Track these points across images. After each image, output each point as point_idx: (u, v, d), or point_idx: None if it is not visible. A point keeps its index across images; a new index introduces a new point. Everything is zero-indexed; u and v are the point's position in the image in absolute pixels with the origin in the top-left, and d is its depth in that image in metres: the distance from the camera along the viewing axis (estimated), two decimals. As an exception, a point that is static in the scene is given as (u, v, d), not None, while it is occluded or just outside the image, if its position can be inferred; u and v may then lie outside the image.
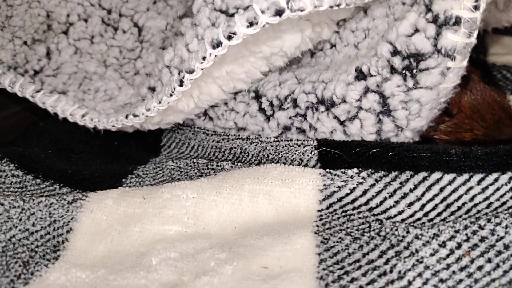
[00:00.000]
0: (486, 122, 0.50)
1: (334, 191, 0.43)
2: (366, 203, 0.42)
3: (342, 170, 0.44)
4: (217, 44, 0.41)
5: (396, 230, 0.39)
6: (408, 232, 0.39)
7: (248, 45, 0.47)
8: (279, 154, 0.48)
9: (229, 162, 0.49)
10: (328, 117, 0.47)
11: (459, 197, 0.42)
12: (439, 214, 0.42)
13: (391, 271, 0.36)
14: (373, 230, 0.39)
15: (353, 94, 0.45)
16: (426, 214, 0.42)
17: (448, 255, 0.37)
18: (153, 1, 0.61)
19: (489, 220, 0.39)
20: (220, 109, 0.54)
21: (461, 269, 0.35)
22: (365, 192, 0.42)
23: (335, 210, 0.42)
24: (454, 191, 0.42)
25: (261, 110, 0.51)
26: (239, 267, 0.37)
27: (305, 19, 0.47)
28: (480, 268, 0.35)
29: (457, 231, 0.38)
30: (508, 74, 0.69)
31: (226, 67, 0.49)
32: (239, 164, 0.49)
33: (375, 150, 0.45)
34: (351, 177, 0.43)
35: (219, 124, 0.54)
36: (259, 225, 0.41)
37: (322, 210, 0.42)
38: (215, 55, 0.41)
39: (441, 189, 0.42)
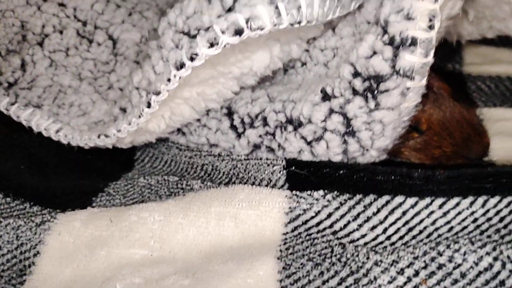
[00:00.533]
0: (454, 139, 0.51)
1: (300, 214, 0.43)
2: (331, 226, 0.43)
3: (308, 193, 0.44)
4: (180, 66, 0.41)
5: (357, 255, 0.39)
6: (368, 258, 0.39)
7: (217, 66, 0.47)
8: (248, 173, 0.49)
9: (199, 180, 0.50)
10: (296, 137, 0.47)
11: (421, 221, 0.43)
12: (401, 237, 0.42)
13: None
14: (335, 255, 0.40)
15: (319, 115, 0.45)
16: (388, 238, 0.42)
17: (405, 283, 0.37)
18: (129, 12, 0.61)
19: (448, 246, 0.39)
20: (193, 125, 0.54)
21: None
22: (329, 215, 0.43)
23: (299, 233, 0.43)
24: (416, 214, 0.43)
25: (233, 127, 0.52)
26: (201, 295, 0.37)
27: (273, 39, 0.48)
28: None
29: (416, 258, 0.39)
30: (482, 85, 0.69)
31: (196, 88, 0.49)
32: (209, 183, 0.49)
33: (341, 172, 0.45)
34: (317, 199, 0.44)
35: (192, 140, 0.55)
36: (224, 249, 0.42)
37: (287, 233, 0.43)
38: (179, 77, 0.42)
39: (404, 213, 0.43)
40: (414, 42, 0.41)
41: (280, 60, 0.51)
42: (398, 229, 0.43)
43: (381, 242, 0.42)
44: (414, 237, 0.42)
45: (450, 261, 0.39)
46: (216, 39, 0.40)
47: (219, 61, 0.47)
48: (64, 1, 0.62)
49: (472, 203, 0.42)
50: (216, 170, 0.52)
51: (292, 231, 0.43)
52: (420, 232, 0.42)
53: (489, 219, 0.42)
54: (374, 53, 0.42)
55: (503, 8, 0.61)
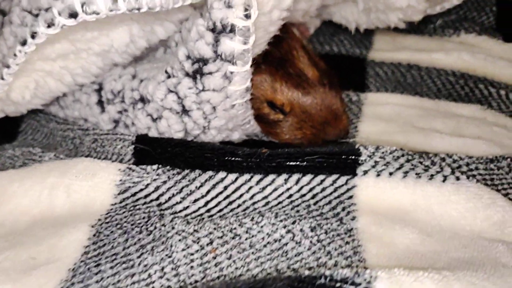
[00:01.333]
0: (313, 122, 0.54)
1: (130, 186, 0.46)
2: (157, 198, 0.46)
3: (142, 166, 0.47)
4: (24, 42, 0.44)
5: (164, 225, 0.43)
6: (173, 228, 0.42)
7: (75, 42, 0.50)
8: (104, 147, 0.52)
9: (65, 152, 0.53)
10: (143, 114, 0.50)
11: (241, 196, 0.46)
12: (220, 210, 0.45)
13: (139, 264, 0.40)
14: (146, 224, 0.43)
15: (159, 93, 0.48)
16: (208, 210, 0.45)
17: (196, 251, 0.40)
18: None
19: (252, 218, 0.42)
20: (68, 98, 0.57)
21: (200, 265, 0.39)
22: (157, 188, 0.46)
23: (126, 204, 0.46)
24: (236, 189, 0.46)
25: (99, 102, 0.55)
26: (10, 257, 0.41)
27: (131, 19, 0.50)
28: (217, 264, 0.39)
29: (215, 228, 0.42)
30: (380, 71, 0.71)
31: (59, 62, 0.52)
32: (69, 155, 0.52)
33: (177, 148, 0.48)
34: (148, 173, 0.47)
35: (68, 114, 0.58)
36: (53, 217, 0.45)
37: (115, 204, 0.46)
38: (25, 52, 0.45)
39: (225, 187, 0.46)
40: (233, 29, 0.43)
41: (145, 40, 0.54)
42: (219, 202, 0.46)
43: (201, 215, 0.45)
44: (232, 210, 0.45)
45: (246, 232, 0.41)
46: (53, 20, 0.43)
47: (75, 38, 0.49)
48: None
49: (286, 180, 0.45)
50: (82, 143, 0.55)
51: (120, 202, 0.46)
52: (239, 205, 0.45)
53: (303, 195, 0.45)
54: (201, 37, 0.45)
55: (381, 1, 0.62)
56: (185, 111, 0.47)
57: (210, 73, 0.45)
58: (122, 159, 0.50)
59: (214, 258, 0.40)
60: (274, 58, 0.56)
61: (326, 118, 0.53)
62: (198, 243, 0.41)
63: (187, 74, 0.46)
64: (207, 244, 0.41)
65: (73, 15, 0.42)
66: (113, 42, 0.52)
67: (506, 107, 0.64)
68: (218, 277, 0.38)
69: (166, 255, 0.40)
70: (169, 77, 0.48)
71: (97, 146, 0.53)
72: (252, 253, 0.40)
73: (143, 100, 0.50)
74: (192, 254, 0.40)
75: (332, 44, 0.77)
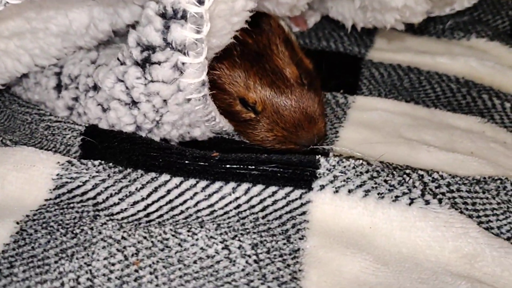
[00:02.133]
0: (285, 125, 0.49)
1: (67, 182, 0.43)
2: (94, 197, 0.42)
3: (83, 161, 0.43)
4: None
5: (91, 229, 0.39)
6: (100, 233, 0.38)
7: (31, 20, 0.47)
8: (53, 135, 0.49)
9: (19, 136, 0.50)
10: (93, 104, 0.46)
11: (184, 202, 0.41)
12: (160, 216, 0.41)
13: (54, 270, 0.36)
14: (74, 226, 0.39)
15: (108, 81, 0.44)
16: (147, 215, 0.41)
17: (119, 261, 0.37)
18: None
19: (189, 229, 0.38)
20: (30, 80, 0.54)
21: (119, 278, 0.35)
22: (95, 186, 0.42)
23: (61, 201, 0.42)
24: (180, 195, 0.42)
25: (58, 87, 0.51)
26: None
27: (91, 1, 0.46)
28: (137, 279, 0.35)
29: (147, 237, 0.38)
30: (376, 73, 0.66)
31: (15, 41, 0.48)
32: (28, 140, 0.49)
33: (123, 144, 0.44)
34: (87, 169, 0.43)
35: (30, 96, 0.55)
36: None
37: (50, 199, 0.42)
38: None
39: (168, 192, 0.42)
40: (184, 16, 0.39)
41: (108, 23, 0.50)
42: (160, 207, 0.42)
43: (139, 219, 0.41)
44: (173, 216, 0.41)
45: (179, 244, 0.37)
46: None
47: (30, 16, 0.46)
48: None
49: (234, 189, 0.40)
50: (37, 129, 0.51)
51: (55, 198, 0.43)
52: (181, 212, 0.41)
53: (252, 207, 0.41)
54: (149, 22, 0.40)
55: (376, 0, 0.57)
56: (134, 103, 0.43)
57: (159, 62, 0.40)
58: (69, 150, 0.46)
59: (136, 271, 0.35)
60: (251, 52, 0.52)
61: (300, 120, 0.48)
62: (122, 252, 0.37)
63: (136, 63, 0.41)
64: (132, 255, 0.36)
65: None
66: (72, 23, 0.48)
67: (510, 121, 0.58)
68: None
69: (85, 263, 0.36)
70: (120, 64, 0.43)
71: (48, 134, 0.49)
72: (179, 269, 0.35)
73: (95, 88, 0.46)
74: (113, 265, 0.36)
75: (330, 40, 0.71)
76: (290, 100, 0.49)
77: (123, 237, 0.38)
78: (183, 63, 0.40)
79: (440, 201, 0.40)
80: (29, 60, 0.50)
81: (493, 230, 0.42)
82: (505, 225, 0.42)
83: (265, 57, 0.51)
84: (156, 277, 0.35)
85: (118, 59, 0.44)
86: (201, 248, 0.37)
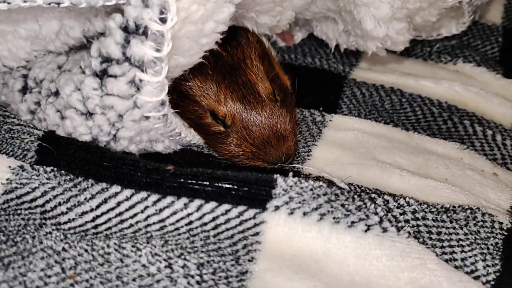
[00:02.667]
0: (254, 141, 0.48)
1: (16, 187, 0.42)
2: (42, 205, 0.41)
3: (35, 167, 0.42)
4: None
5: (33, 238, 0.37)
6: (41, 243, 0.37)
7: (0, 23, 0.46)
8: (13, 139, 0.47)
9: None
10: (52, 110, 0.45)
11: (135, 215, 0.40)
12: (109, 228, 0.39)
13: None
14: (17, 233, 0.38)
15: (67, 89, 0.43)
16: (95, 227, 0.39)
17: (56, 274, 0.35)
18: None
19: (134, 244, 0.37)
20: (-1, 81, 0.53)
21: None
22: (44, 193, 0.41)
23: (9, 207, 0.41)
24: (131, 207, 0.40)
25: (23, 89, 0.50)
26: None
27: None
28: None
29: (89, 250, 0.36)
30: (357, 92, 0.64)
31: (-17, 41, 0.47)
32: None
33: (78, 152, 0.43)
34: (38, 175, 0.41)
35: (-3, 97, 0.54)
36: None
37: (-3, 204, 0.41)
38: None
39: (118, 204, 0.40)
40: (145, 32, 0.38)
41: (79, 30, 0.49)
42: (109, 219, 0.40)
43: (87, 230, 0.39)
44: (122, 230, 0.39)
45: (120, 260, 0.36)
46: None
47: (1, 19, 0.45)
48: None
49: (186, 205, 0.39)
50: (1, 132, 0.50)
51: (3, 203, 0.41)
52: (131, 226, 0.40)
53: (204, 224, 0.39)
54: (111, 34, 0.39)
55: (358, 27, 0.56)
56: (89, 114, 0.42)
57: (115, 76, 0.39)
58: (26, 155, 0.45)
59: (72, 285, 0.34)
60: (225, 65, 0.51)
61: (269, 137, 0.47)
62: (60, 264, 0.35)
63: (94, 73, 0.40)
64: (70, 268, 0.35)
65: None
66: (42, 28, 0.47)
67: (490, 149, 0.57)
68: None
69: (21, 273, 0.34)
70: (80, 73, 0.42)
71: (9, 136, 0.48)
72: (116, 286, 0.34)
73: (57, 94, 0.45)
74: (49, 277, 0.34)
75: (315, 57, 0.70)
76: (260, 116, 0.48)
77: (63, 249, 0.36)
78: (140, 80, 0.39)
79: (398, 229, 0.38)
80: (-4, 61, 0.49)
81: (456, 262, 0.40)
82: (470, 257, 0.40)
83: (239, 71, 0.50)
84: (91, 293, 0.33)
85: (80, 67, 0.43)
86: (143, 265, 0.35)
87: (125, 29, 0.38)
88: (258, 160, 0.48)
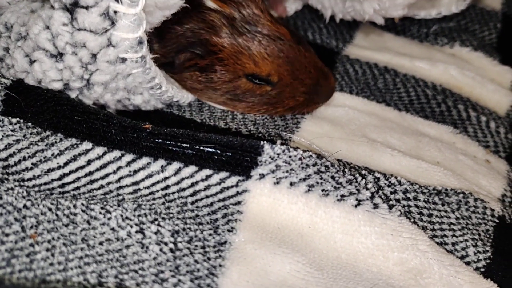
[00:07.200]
0: (305, 87, 0.47)
1: (-23, 139, 0.37)
2: (5, 159, 0.37)
3: (0, 117, 0.38)
4: None
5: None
6: (1, 198, 0.33)
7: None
8: (-22, 89, 0.43)
9: None
10: (20, 54, 0.41)
11: (106, 175, 0.36)
12: (77, 188, 0.36)
13: None
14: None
15: (35, 28, 0.39)
16: (62, 186, 0.36)
17: (14, 232, 0.32)
18: None
19: (104, 206, 0.34)
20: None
21: (9, 251, 0.30)
22: (8, 146, 0.37)
23: (-33, 159, 0.36)
24: (103, 167, 0.36)
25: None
26: None
27: None
28: (30, 254, 0.30)
29: (53, 209, 0.33)
30: (350, 69, 0.62)
31: None
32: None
33: (48, 103, 0.39)
34: (2, 126, 0.37)
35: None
36: None
37: (-45, 157, 0.37)
38: None
39: (88, 162, 0.36)
40: None
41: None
42: (78, 178, 0.36)
43: (52, 189, 0.36)
44: (91, 190, 0.36)
45: (87, 221, 0.33)
46: None
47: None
48: None
49: (163, 167, 0.35)
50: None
51: (-38, 155, 0.37)
52: (101, 187, 0.36)
53: (182, 189, 0.36)
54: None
55: None
56: (60, 54, 0.38)
57: (87, 7, 0.35)
58: (-9, 105, 0.40)
59: (31, 245, 0.30)
60: (241, 23, 0.47)
61: (317, 79, 0.47)
62: (20, 222, 0.32)
63: (64, 7, 0.36)
64: (31, 227, 0.31)
65: None
66: None
67: (483, 135, 0.54)
68: (21, 271, 0.28)
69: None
70: (49, 8, 0.38)
71: (-26, 86, 0.43)
72: (81, 249, 0.31)
73: (26, 36, 0.41)
74: (6, 235, 0.31)
75: (308, 30, 0.67)
76: (302, 61, 0.47)
77: (25, 206, 0.33)
78: (115, 12, 0.35)
79: (390, 207, 0.35)
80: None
81: (447, 246, 0.38)
82: (461, 242, 0.38)
83: (256, 25, 0.47)
84: (53, 254, 0.30)
85: (50, 1, 0.39)
86: (112, 229, 0.32)
87: None
88: (313, 103, 0.49)
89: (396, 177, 0.41)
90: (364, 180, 0.38)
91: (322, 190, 0.35)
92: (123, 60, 0.37)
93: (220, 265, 0.31)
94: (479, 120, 0.55)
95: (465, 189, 0.43)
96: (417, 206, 0.40)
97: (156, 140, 0.36)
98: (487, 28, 0.70)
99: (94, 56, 0.37)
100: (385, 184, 0.40)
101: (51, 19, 0.36)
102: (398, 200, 0.39)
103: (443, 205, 0.41)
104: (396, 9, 0.53)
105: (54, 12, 0.36)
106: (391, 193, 0.40)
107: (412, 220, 0.37)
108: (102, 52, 0.37)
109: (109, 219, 0.33)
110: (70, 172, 0.36)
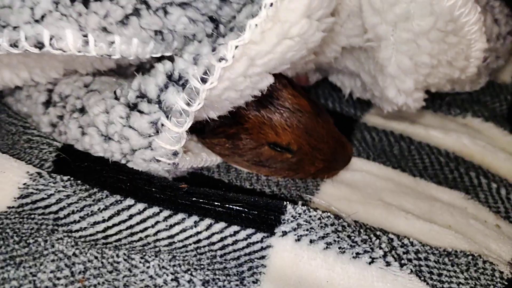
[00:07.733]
0: (324, 155, 0.50)
1: (32, 193, 0.43)
2: (56, 212, 0.42)
3: (53, 175, 0.43)
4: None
5: (45, 241, 0.38)
6: (53, 246, 0.38)
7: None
8: (31, 149, 0.49)
9: (1, 146, 0.50)
10: (75, 125, 0.47)
11: (145, 229, 0.41)
12: (118, 240, 0.40)
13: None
14: (30, 236, 0.39)
15: (96, 109, 0.45)
16: (106, 237, 0.40)
17: (65, 277, 0.36)
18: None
19: (143, 256, 0.38)
20: (22, 93, 0.55)
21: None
22: (59, 201, 0.42)
23: (23, 211, 0.42)
24: (142, 221, 0.41)
25: (46, 103, 0.52)
26: None
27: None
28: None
29: (98, 257, 0.37)
30: (367, 136, 0.66)
31: (20, 57, 0.50)
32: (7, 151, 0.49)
33: (94, 164, 0.44)
34: (55, 182, 0.43)
35: (19, 108, 0.55)
36: None
37: (12, 207, 0.42)
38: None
39: (130, 217, 0.41)
40: (184, 85, 0.41)
41: (113, 61, 0.51)
42: (120, 231, 0.41)
43: (97, 240, 0.40)
44: (131, 242, 0.40)
45: (129, 269, 0.37)
46: (17, 42, 0.40)
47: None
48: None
49: (196, 223, 0.40)
50: (19, 141, 0.52)
51: (18, 207, 0.42)
52: (140, 239, 0.41)
53: (212, 243, 0.40)
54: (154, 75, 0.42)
55: (378, 90, 0.58)
56: (108, 137, 0.43)
57: (142, 112, 0.41)
58: (43, 165, 0.46)
59: (79, 289, 0.34)
60: (263, 97, 0.52)
61: (335, 147, 0.50)
62: (70, 268, 0.36)
63: (127, 103, 0.42)
64: (79, 272, 0.36)
65: (39, 46, 0.40)
66: (79, 56, 0.49)
67: (494, 201, 0.57)
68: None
69: (31, 273, 0.35)
70: (114, 98, 0.44)
71: (27, 147, 0.49)
72: (122, 295, 0.34)
73: (82, 110, 0.47)
74: (58, 279, 0.35)
75: (328, 99, 0.72)
76: (319, 131, 0.50)
77: (74, 254, 0.37)
78: (162, 125, 0.41)
79: (401, 265, 0.39)
80: (27, 76, 0.51)
81: (456, 305, 0.40)
82: (470, 302, 0.41)
83: (277, 97, 0.51)
84: (98, 298, 0.34)
85: (114, 92, 0.45)
86: (150, 276, 0.36)
87: (169, 76, 0.40)
88: (330, 170, 0.51)
89: (409, 239, 0.44)
90: (378, 240, 0.41)
91: (339, 248, 0.39)
92: (158, 160, 0.43)
93: (246, 313, 0.35)
94: (490, 186, 0.58)
95: (474, 252, 0.46)
96: (427, 266, 0.43)
97: (191, 198, 0.40)
98: (498, 100, 0.74)
99: (133, 151, 0.43)
100: (398, 244, 0.44)
101: (112, 108, 0.42)
102: (409, 260, 0.42)
103: (452, 265, 0.44)
104: (411, 110, 0.59)
105: (117, 105, 0.42)
106: (404, 253, 0.43)
107: (422, 278, 0.40)
108: (141, 151, 0.42)
109: (147, 267, 0.37)
110: (113, 225, 0.41)
